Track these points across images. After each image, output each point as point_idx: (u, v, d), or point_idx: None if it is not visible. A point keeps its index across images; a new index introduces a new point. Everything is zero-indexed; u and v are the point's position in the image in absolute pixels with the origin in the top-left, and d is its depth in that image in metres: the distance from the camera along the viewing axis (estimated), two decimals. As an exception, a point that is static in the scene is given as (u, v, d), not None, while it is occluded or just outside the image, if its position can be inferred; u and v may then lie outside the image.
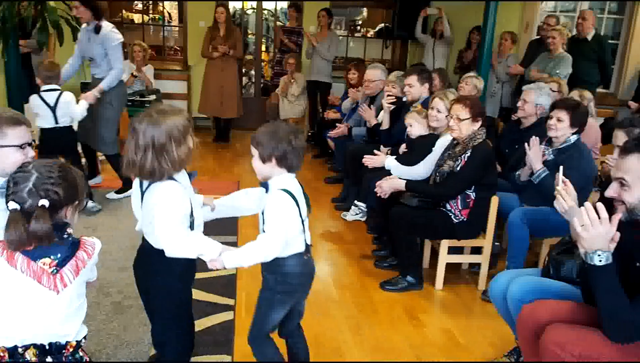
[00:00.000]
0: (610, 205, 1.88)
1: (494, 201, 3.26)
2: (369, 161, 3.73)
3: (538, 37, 6.33)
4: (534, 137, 3.31)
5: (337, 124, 5.43)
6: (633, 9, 7.13)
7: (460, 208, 3.24)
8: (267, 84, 8.00)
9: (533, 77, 5.29)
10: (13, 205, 1.44)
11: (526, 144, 3.33)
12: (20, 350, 1.45)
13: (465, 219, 3.24)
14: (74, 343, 1.53)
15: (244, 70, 8.04)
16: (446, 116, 3.43)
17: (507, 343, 2.69)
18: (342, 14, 8.60)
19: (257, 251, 1.95)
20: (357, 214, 3.83)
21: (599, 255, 1.77)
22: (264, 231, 1.98)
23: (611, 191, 1.85)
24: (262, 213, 2.01)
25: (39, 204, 1.44)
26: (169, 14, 8.74)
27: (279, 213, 1.95)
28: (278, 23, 8.19)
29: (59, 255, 1.48)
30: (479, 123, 3.16)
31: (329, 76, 6.96)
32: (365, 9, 8.83)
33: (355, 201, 3.83)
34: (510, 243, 3.30)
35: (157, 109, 1.87)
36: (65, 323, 1.52)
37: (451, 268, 3.55)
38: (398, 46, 8.10)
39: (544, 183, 3.25)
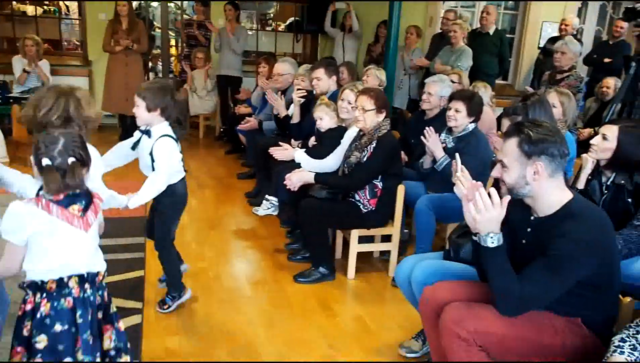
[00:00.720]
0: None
1: (401, 189, 3.36)
2: (277, 153, 3.71)
3: (440, 31, 6.58)
4: (427, 128, 3.44)
5: (247, 118, 5.37)
6: (527, 6, 7.60)
7: (368, 197, 3.30)
8: (176, 80, 7.76)
9: (437, 70, 5.49)
10: (46, 161, 1.72)
11: (422, 136, 3.46)
12: (65, 280, 1.77)
13: (373, 208, 3.31)
14: (103, 272, 1.90)
15: (150, 65, 7.76)
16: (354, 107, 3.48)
17: (416, 325, 2.77)
18: (253, 7, 8.52)
19: (155, 186, 2.59)
20: (268, 208, 3.81)
21: (491, 237, 1.86)
22: (153, 169, 2.60)
23: (495, 172, 1.97)
24: (151, 154, 2.59)
25: (69, 161, 1.74)
26: (67, 6, 8.25)
27: (166, 154, 2.59)
28: (185, 16, 7.97)
29: (83, 202, 1.81)
30: (384, 114, 3.24)
31: (239, 71, 6.86)
32: (276, 3, 8.80)
33: (267, 196, 3.81)
34: (418, 229, 3.41)
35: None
36: (94, 256, 1.88)
37: (363, 257, 3.62)
38: (309, 40, 8.15)
39: (446, 170, 3.38)
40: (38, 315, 1.73)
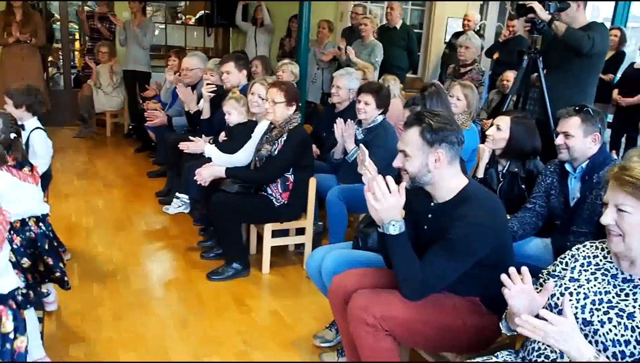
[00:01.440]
0: None
1: (312, 182, 3.38)
2: (186, 146, 3.62)
3: (351, 25, 6.68)
4: (338, 119, 3.50)
5: (151, 112, 5.17)
6: (432, 2, 7.90)
7: (280, 191, 3.30)
8: (79, 75, 7.36)
9: (354, 60, 5.55)
10: None
11: (335, 126, 3.50)
12: (27, 220, 2.44)
13: (286, 202, 3.32)
14: (47, 212, 2.57)
15: (50, 59, 7.31)
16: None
17: (330, 315, 2.76)
18: (162, 0, 8.24)
19: (40, 168, 2.81)
20: (179, 206, 3.72)
21: (393, 225, 1.91)
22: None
23: (397, 162, 2.02)
24: (26, 145, 2.93)
25: (11, 136, 2.30)
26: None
27: (43, 145, 3.14)
28: (86, 8, 7.56)
29: (28, 165, 2.41)
30: (294, 107, 3.24)
31: (147, 65, 6.62)
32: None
33: (177, 194, 3.71)
34: (330, 221, 3.46)
35: None
36: (41, 202, 2.54)
37: (278, 251, 3.63)
38: (220, 34, 8.00)
39: (356, 161, 3.44)
40: (13, 245, 2.35)
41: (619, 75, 6.17)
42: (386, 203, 1.87)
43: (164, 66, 6.18)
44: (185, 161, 3.82)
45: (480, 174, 3.03)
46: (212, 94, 4.22)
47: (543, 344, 1.67)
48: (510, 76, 5.56)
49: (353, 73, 4.10)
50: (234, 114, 3.65)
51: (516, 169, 2.94)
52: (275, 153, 3.23)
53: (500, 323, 1.83)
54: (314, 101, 6.42)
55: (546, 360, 1.64)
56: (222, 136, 3.86)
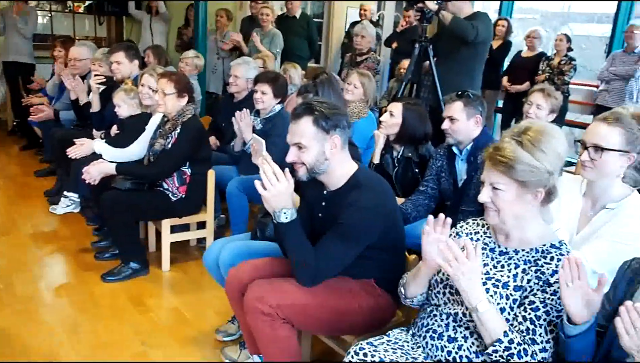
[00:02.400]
0: None
1: (211, 174, 3.31)
2: (74, 151, 3.39)
3: (250, 14, 6.59)
4: (237, 112, 3.44)
5: (36, 107, 4.82)
6: (332, -8, 7.97)
7: (177, 185, 3.20)
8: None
9: (258, 47, 5.47)
10: None
11: (234, 118, 3.44)
12: None
13: (183, 195, 3.22)
14: None
15: None
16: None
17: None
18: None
19: None
20: (68, 206, 3.50)
21: (284, 213, 1.90)
22: None
23: (290, 157, 2.00)
24: None
25: None
26: None
27: None
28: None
29: None
30: (186, 99, 3.14)
31: (30, 56, 6.14)
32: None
33: (65, 192, 3.49)
34: (231, 213, 3.41)
35: None
36: None
37: (179, 246, 3.52)
38: (113, 23, 7.60)
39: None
40: None
41: (506, 63, 6.58)
42: (274, 191, 1.85)
43: (49, 57, 5.77)
44: (73, 158, 3.58)
45: (376, 159, 3.11)
46: (102, 86, 4.00)
47: (432, 319, 1.74)
48: (406, 64, 5.73)
49: (251, 62, 4.05)
50: (123, 107, 3.48)
51: (410, 154, 3.04)
52: (170, 146, 3.12)
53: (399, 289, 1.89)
54: (215, 92, 6.28)
55: (434, 335, 1.71)
56: (114, 130, 3.66)
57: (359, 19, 7.00)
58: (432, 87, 3.96)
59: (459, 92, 2.68)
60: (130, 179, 3.11)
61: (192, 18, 6.58)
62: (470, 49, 3.85)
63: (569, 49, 5.94)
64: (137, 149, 3.35)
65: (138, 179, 3.12)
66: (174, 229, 3.36)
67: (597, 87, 6.16)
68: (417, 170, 3.04)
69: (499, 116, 6.86)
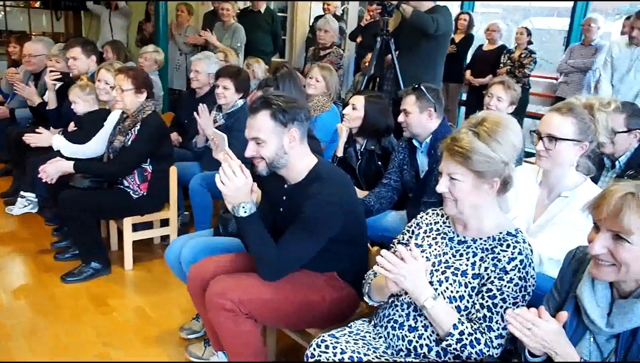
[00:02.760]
0: None
1: (173, 171, 3.26)
2: (31, 138, 3.29)
3: (212, 8, 6.51)
4: (200, 105, 3.39)
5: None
6: (295, -14, 7.93)
7: (138, 182, 3.14)
8: None
9: (215, 46, 5.40)
10: None
11: (195, 114, 3.39)
12: None
13: (145, 193, 3.16)
14: None
15: None
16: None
17: (197, 306, 2.74)
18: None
19: None
20: (25, 206, 3.41)
21: (243, 207, 1.89)
22: None
23: (249, 152, 1.99)
24: None
25: None
26: None
27: None
28: None
29: None
30: (144, 94, 3.08)
31: (-17, 53, 5.96)
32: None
33: (22, 192, 3.39)
34: (195, 209, 3.37)
35: None
36: None
37: (142, 244, 3.47)
38: (71, 18, 7.40)
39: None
40: None
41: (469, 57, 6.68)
42: (232, 186, 1.85)
43: (3, 54, 5.58)
44: (30, 156, 3.49)
45: (339, 153, 3.12)
46: (58, 83, 3.89)
47: (393, 309, 1.76)
48: (370, 58, 5.78)
49: (212, 57, 4.00)
50: (79, 103, 3.39)
51: (373, 147, 3.06)
52: (129, 143, 3.05)
53: (364, 295, 1.89)
54: (179, 89, 6.18)
55: (395, 324, 1.73)
56: (71, 126, 3.57)
57: (323, 14, 6.99)
58: (395, 80, 3.99)
59: (413, 86, 2.72)
60: (89, 178, 3.04)
61: (152, 13, 6.46)
62: (431, 42, 3.89)
63: (529, 42, 6.06)
64: (95, 147, 3.28)
65: (97, 177, 3.05)
66: (136, 227, 3.30)
67: (556, 79, 6.30)
68: (380, 163, 3.06)
69: (463, 108, 6.97)
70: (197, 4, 6.94)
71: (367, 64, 5.74)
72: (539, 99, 6.79)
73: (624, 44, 4.41)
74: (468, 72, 6.47)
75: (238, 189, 1.85)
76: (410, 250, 1.60)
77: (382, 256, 1.59)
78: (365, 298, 1.88)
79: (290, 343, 2.45)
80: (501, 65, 6.10)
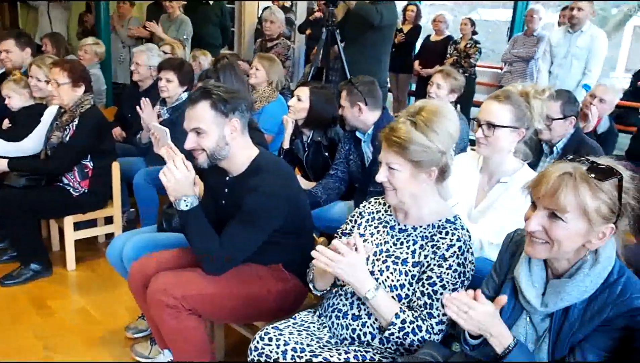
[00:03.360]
0: None
1: (115, 167, 3.17)
2: None
3: (155, 0, 6.35)
4: (143, 99, 3.30)
5: None
6: (243, -23, 7.81)
7: (79, 179, 3.04)
8: None
9: (162, 37, 5.28)
10: None
11: (138, 107, 3.30)
12: None
13: (86, 190, 3.07)
14: None
15: None
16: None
17: (143, 304, 2.67)
18: None
19: None
20: (-43, 207, 3.24)
21: (184, 201, 1.85)
22: None
23: (189, 144, 1.95)
24: None
25: None
26: None
27: None
28: None
29: None
30: (82, 88, 2.97)
31: None
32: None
33: (-48, 193, 3.22)
34: (140, 205, 3.30)
35: None
36: None
37: (86, 244, 3.36)
38: (6, 10, 7.06)
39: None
40: None
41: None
42: (173, 178, 1.81)
43: None
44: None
45: (286, 145, 3.10)
46: (-11, 78, 3.71)
47: (337, 299, 1.76)
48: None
49: (154, 49, 3.90)
50: (14, 98, 3.24)
51: (319, 138, 3.06)
52: (67, 139, 2.95)
53: (309, 284, 1.88)
54: (123, 82, 6.01)
55: (339, 314, 1.74)
56: (5, 123, 3.41)
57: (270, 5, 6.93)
58: (342, 71, 4.00)
59: (346, 81, 2.76)
60: (25, 176, 2.93)
61: (93, 4, 6.26)
62: (376, 32, 3.92)
63: (474, 33, 6.19)
64: (31, 144, 3.14)
65: (34, 175, 2.93)
66: (78, 226, 3.20)
67: (501, 69, 6.47)
68: (326, 154, 3.06)
69: (413, 98, 7.06)
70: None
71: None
72: (486, 88, 6.96)
73: (561, 32, 4.57)
74: (416, 63, 6.55)
75: (179, 182, 1.82)
76: (347, 243, 1.60)
77: (318, 252, 1.57)
78: (311, 286, 1.87)
79: (239, 338, 2.42)
80: (448, 55, 6.20)
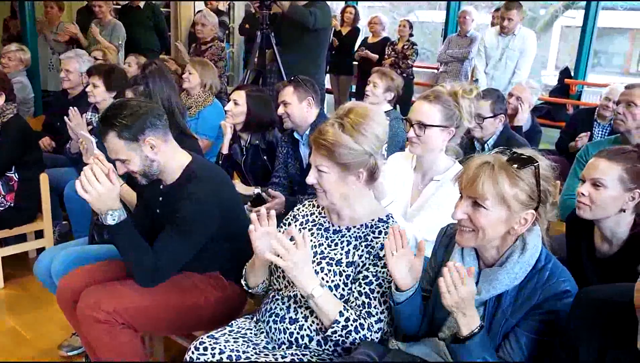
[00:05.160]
0: None
1: (43, 178, 3.03)
2: None
3: (85, 4, 6.14)
4: (71, 108, 3.17)
5: None
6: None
7: (3, 193, 2.91)
8: None
9: (97, 39, 5.11)
10: None
11: (66, 118, 3.17)
12: None
13: (12, 204, 2.93)
14: None
15: None
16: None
17: (77, 321, 2.57)
18: None
19: None
20: None
21: (111, 215, 1.78)
22: None
23: (120, 170, 1.91)
24: None
25: None
26: None
27: None
28: None
29: None
30: (3, 97, 2.85)
31: None
32: None
33: None
34: (71, 217, 3.18)
35: None
36: None
37: (16, 260, 3.20)
38: None
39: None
40: None
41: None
42: (95, 193, 1.73)
43: None
44: None
45: (225, 150, 3.05)
46: None
47: (274, 303, 1.75)
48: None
49: (83, 55, 3.78)
50: None
51: (257, 142, 3.03)
52: (-11, 150, 2.80)
53: (242, 281, 1.86)
54: (55, 90, 5.76)
55: (276, 318, 1.72)
56: None
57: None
58: (279, 73, 3.99)
59: (290, 78, 2.75)
60: (-57, 191, 2.75)
61: (18, 9, 5.96)
62: (311, 35, 3.93)
63: (411, 35, 6.32)
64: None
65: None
66: (6, 241, 3.05)
67: (437, 69, 6.63)
68: (265, 157, 3.04)
69: (354, 100, 7.13)
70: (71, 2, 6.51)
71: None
72: (424, 88, 7.11)
73: (494, 34, 4.74)
74: (356, 65, 6.60)
75: (101, 196, 1.73)
76: (303, 236, 1.57)
77: (277, 241, 1.54)
78: (243, 283, 1.85)
79: (179, 349, 2.36)
80: (385, 56, 6.30)
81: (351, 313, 1.62)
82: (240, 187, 2.89)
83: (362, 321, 1.61)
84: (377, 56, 6.38)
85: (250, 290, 1.86)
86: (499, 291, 1.45)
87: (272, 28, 3.94)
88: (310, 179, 1.69)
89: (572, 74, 6.51)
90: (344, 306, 1.62)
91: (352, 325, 1.60)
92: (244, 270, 1.86)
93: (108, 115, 1.85)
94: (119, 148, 1.84)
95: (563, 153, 3.86)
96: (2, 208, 2.88)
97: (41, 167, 3.04)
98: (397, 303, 1.56)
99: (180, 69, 4.66)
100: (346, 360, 1.57)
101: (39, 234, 3.24)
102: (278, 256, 1.54)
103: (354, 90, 7.17)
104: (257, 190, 2.67)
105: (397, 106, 5.01)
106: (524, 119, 3.60)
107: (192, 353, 1.62)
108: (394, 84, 3.46)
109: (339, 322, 1.60)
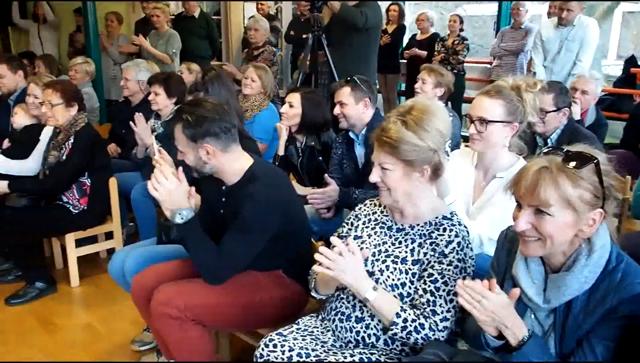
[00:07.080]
0: None
1: (112, 182, 3.19)
2: None
3: (144, 16, 6.38)
4: (137, 114, 3.33)
5: None
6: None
7: (77, 197, 3.06)
8: None
9: (149, 51, 5.32)
10: None
11: (132, 122, 3.32)
12: None
13: (85, 207, 3.09)
14: None
15: None
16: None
17: (147, 318, 2.70)
18: None
19: None
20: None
21: (179, 214, 1.87)
22: None
23: (179, 156, 1.99)
24: None
25: None
26: None
27: None
28: None
29: None
30: (75, 107, 3.00)
31: None
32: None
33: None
34: (138, 220, 3.32)
35: None
36: None
37: (88, 260, 3.38)
38: (-3, 33, 7.11)
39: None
40: None
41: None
42: (164, 191, 1.82)
43: None
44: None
45: (280, 151, 3.12)
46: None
47: (339, 302, 1.78)
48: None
49: (142, 64, 3.94)
50: (20, 115, 3.36)
51: (313, 143, 3.08)
52: (64, 158, 2.98)
53: (311, 292, 1.89)
54: (117, 99, 6.03)
55: (342, 317, 1.75)
56: (6, 143, 3.45)
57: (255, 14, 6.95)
58: (330, 74, 4.03)
59: (348, 78, 2.76)
60: (25, 196, 2.96)
61: (81, 23, 6.29)
62: (362, 35, 3.95)
63: (461, 30, 6.23)
64: (33, 164, 3.19)
65: (34, 195, 2.96)
66: (80, 242, 3.23)
67: (490, 63, 6.49)
68: (320, 158, 3.08)
69: (403, 98, 7.09)
70: (127, 12, 6.79)
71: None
72: (475, 84, 6.99)
73: (552, 26, 4.57)
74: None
75: (171, 194, 1.83)
76: (347, 244, 1.62)
77: (320, 254, 1.59)
78: (313, 293, 1.89)
79: (244, 345, 2.44)
80: (435, 53, 6.23)
81: (409, 314, 1.61)
82: (297, 188, 2.95)
83: (422, 320, 1.60)
84: (426, 53, 6.33)
85: (319, 297, 1.88)
86: (569, 297, 1.37)
87: (323, 30, 3.98)
88: (374, 177, 1.70)
89: (639, 62, 6.23)
90: (401, 307, 1.62)
91: (410, 325, 1.60)
92: (313, 281, 1.87)
93: (183, 107, 1.96)
94: (180, 139, 1.95)
95: (629, 149, 3.67)
96: (76, 211, 3.05)
97: (109, 172, 3.19)
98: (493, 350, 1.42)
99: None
100: (414, 360, 1.57)
101: (109, 235, 3.41)
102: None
103: (401, 88, 7.12)
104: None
105: (449, 103, 4.95)
106: (591, 113, 3.49)
107: (262, 350, 1.67)
108: (444, 80, 3.43)
109: (397, 324, 1.60)
